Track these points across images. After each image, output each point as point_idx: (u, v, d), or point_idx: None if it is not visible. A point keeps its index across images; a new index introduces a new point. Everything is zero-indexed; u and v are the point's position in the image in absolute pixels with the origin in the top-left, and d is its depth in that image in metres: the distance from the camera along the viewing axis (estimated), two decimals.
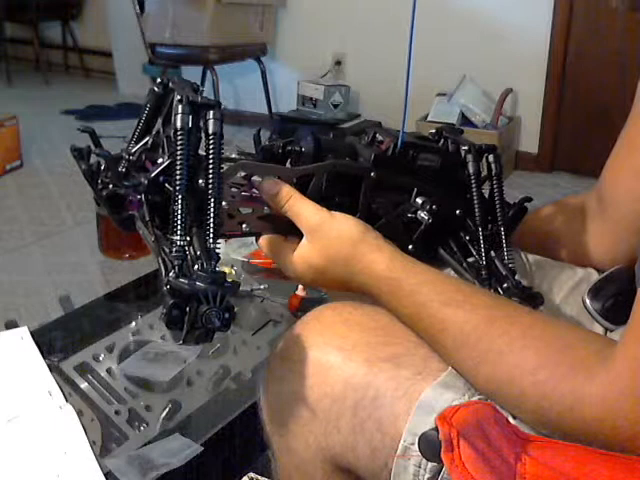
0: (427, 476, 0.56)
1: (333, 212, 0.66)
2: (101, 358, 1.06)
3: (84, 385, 1.00)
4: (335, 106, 3.35)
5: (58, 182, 2.87)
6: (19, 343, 1.02)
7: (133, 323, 1.15)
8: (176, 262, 0.54)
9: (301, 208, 0.66)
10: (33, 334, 1.04)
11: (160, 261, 0.56)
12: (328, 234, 0.65)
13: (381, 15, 3.26)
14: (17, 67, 4.82)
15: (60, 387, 0.93)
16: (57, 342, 1.08)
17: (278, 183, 0.66)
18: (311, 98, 3.36)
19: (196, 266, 0.54)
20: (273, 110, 3.58)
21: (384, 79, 2.89)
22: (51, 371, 0.97)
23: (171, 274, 0.53)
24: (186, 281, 0.53)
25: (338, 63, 3.56)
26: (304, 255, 0.66)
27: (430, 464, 0.56)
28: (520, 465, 0.49)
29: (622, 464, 0.48)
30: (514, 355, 0.55)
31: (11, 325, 1.09)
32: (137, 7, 3.30)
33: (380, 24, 3.26)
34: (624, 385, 0.49)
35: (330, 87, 3.34)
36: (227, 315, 0.54)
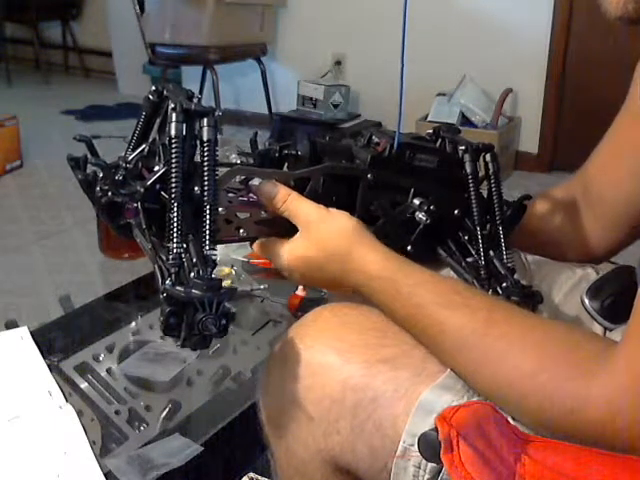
0: (427, 477, 0.56)
1: (331, 209, 0.67)
2: (101, 358, 1.06)
3: (84, 385, 1.00)
4: (335, 106, 3.35)
5: (58, 182, 2.87)
6: (19, 343, 1.02)
7: (133, 323, 1.15)
8: (172, 270, 0.55)
9: (299, 207, 0.66)
10: (33, 334, 1.04)
11: (157, 269, 0.56)
12: (323, 228, 0.65)
13: (381, 15, 3.25)
14: (17, 67, 4.82)
15: (60, 387, 0.93)
16: (57, 342, 1.08)
17: (276, 185, 0.67)
18: (311, 98, 3.35)
19: (192, 273, 0.54)
20: (273, 110, 3.57)
21: (384, 79, 2.88)
22: (51, 371, 0.97)
23: (167, 282, 0.54)
24: (182, 289, 0.53)
25: (338, 63, 3.56)
26: (296, 247, 0.66)
27: (430, 465, 0.56)
28: (520, 465, 0.49)
29: (622, 464, 0.48)
30: (514, 357, 0.55)
31: (11, 325, 1.09)
32: (137, 7, 3.30)
33: (380, 24, 3.26)
34: (626, 386, 0.49)
35: (330, 87, 3.33)
36: (224, 321, 0.54)
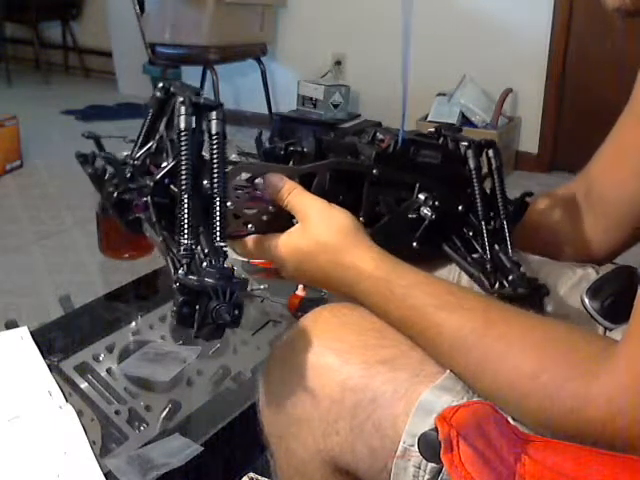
0: (427, 477, 0.56)
1: (333, 205, 0.67)
2: (101, 358, 1.06)
3: (84, 385, 1.00)
4: (335, 106, 3.35)
5: (58, 182, 2.87)
6: (19, 343, 1.02)
7: (133, 323, 1.15)
8: (184, 260, 0.55)
9: (301, 201, 0.66)
10: (33, 334, 1.04)
11: (169, 260, 0.56)
12: (320, 222, 0.65)
13: (381, 15, 3.25)
14: (17, 67, 4.82)
15: (60, 387, 0.93)
16: (57, 342, 1.08)
17: (283, 178, 0.67)
18: (311, 98, 3.35)
19: (204, 263, 0.54)
20: (273, 110, 3.57)
21: (384, 79, 2.88)
22: (51, 371, 0.97)
23: (180, 271, 0.54)
24: (195, 278, 0.53)
25: (338, 63, 3.56)
26: (291, 238, 0.66)
27: (430, 465, 0.56)
28: (520, 465, 0.49)
29: (622, 464, 0.48)
30: (514, 358, 0.55)
31: (11, 325, 1.09)
32: (137, 7, 3.30)
33: (380, 24, 3.26)
34: (626, 385, 0.49)
35: (330, 87, 3.33)
36: (237, 311, 0.55)
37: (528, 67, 3.14)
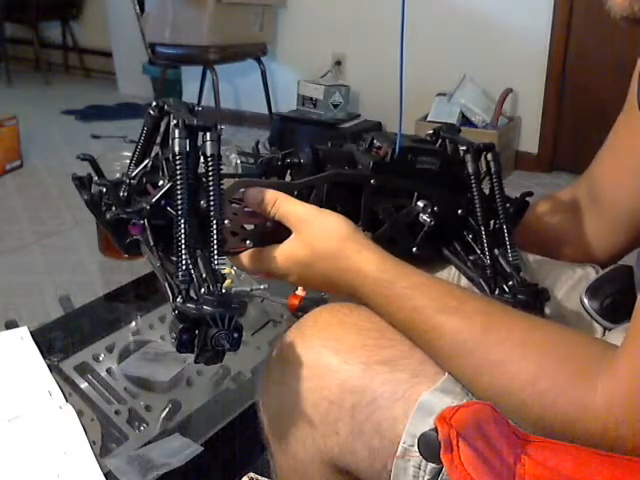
0: (427, 477, 0.56)
1: (323, 209, 0.66)
2: (101, 358, 1.06)
3: (84, 385, 1.00)
4: (335, 106, 3.35)
5: (58, 182, 2.87)
6: (19, 343, 1.02)
7: (133, 323, 1.15)
8: (182, 286, 0.55)
9: (288, 207, 0.66)
10: (33, 334, 1.04)
11: (167, 286, 0.56)
12: (314, 227, 0.65)
13: (381, 15, 3.25)
14: (17, 67, 4.82)
15: (60, 387, 0.93)
16: (57, 342, 1.08)
17: (261, 190, 0.66)
18: (311, 98, 3.35)
19: (203, 289, 0.54)
20: (273, 110, 3.57)
21: (384, 79, 2.89)
22: (51, 371, 0.97)
23: (178, 299, 0.54)
24: (193, 306, 0.53)
25: (338, 63, 3.56)
26: (287, 248, 0.66)
27: (430, 465, 0.56)
28: (519, 466, 0.49)
29: (622, 465, 0.48)
30: (514, 364, 0.55)
31: (11, 325, 1.09)
32: (137, 7, 3.30)
33: (380, 24, 3.26)
34: (626, 393, 0.49)
35: (330, 87, 3.33)
36: (236, 335, 0.55)
37: (528, 67, 3.14)
